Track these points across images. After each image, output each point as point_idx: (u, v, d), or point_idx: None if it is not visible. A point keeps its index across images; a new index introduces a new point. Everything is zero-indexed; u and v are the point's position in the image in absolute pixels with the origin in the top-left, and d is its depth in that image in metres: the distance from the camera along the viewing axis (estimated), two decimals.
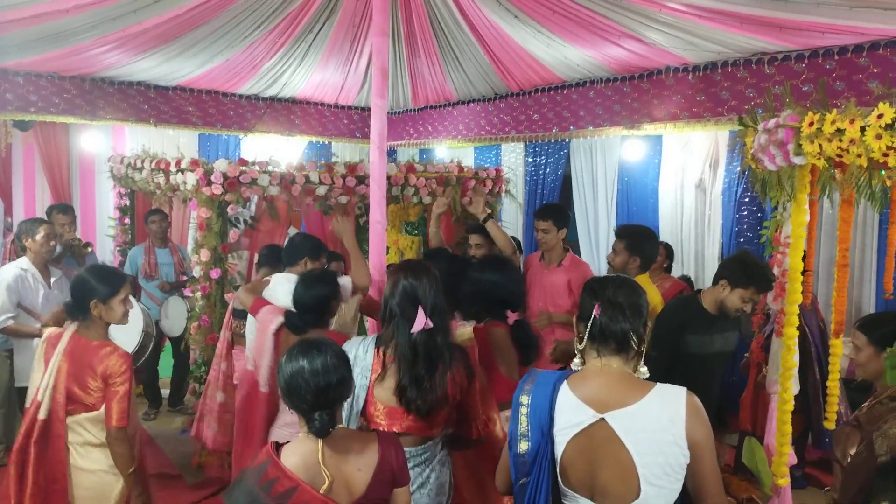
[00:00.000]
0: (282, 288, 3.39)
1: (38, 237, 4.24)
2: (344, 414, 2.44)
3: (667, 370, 3.14)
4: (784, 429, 2.83)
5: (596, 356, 1.89)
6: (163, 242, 5.82)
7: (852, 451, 2.37)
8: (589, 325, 1.88)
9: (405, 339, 2.35)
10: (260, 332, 3.21)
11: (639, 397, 1.80)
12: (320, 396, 1.94)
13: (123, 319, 2.87)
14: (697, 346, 3.21)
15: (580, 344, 1.92)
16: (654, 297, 3.44)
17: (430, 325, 2.34)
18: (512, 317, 2.90)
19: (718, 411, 3.58)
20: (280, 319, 3.11)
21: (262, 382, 3.20)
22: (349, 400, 2.37)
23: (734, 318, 3.26)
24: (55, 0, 4.15)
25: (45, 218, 5.00)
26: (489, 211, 4.72)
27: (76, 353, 2.74)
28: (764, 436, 3.25)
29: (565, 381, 1.89)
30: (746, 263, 3.32)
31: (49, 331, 2.91)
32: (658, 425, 1.76)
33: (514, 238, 5.28)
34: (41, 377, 2.78)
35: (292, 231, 6.83)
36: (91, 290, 2.77)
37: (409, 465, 2.40)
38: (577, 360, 1.94)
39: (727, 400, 3.51)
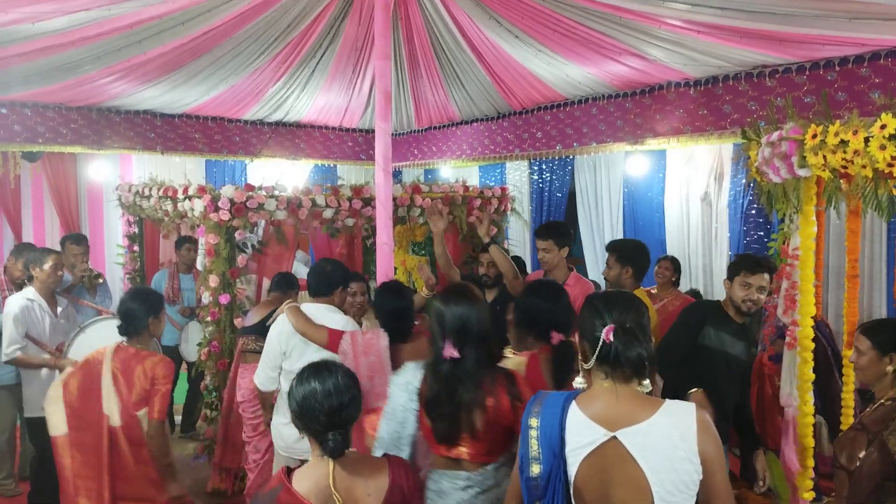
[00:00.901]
0: (333, 320, 3.36)
1: (46, 267, 4.24)
2: (387, 437, 2.38)
3: (682, 363, 3.21)
4: (806, 442, 2.80)
5: (604, 378, 1.85)
6: (188, 269, 5.88)
7: (861, 455, 2.36)
8: (598, 348, 1.83)
9: (431, 366, 2.39)
10: (371, 354, 3.15)
11: (649, 414, 1.78)
12: (333, 416, 1.95)
13: (162, 331, 3.43)
14: (718, 341, 3.29)
15: (586, 364, 1.89)
16: (651, 313, 3.45)
17: (456, 355, 2.32)
18: (556, 337, 2.78)
19: (741, 425, 3.54)
20: (385, 335, 3.13)
21: (372, 401, 3.01)
22: (396, 425, 2.37)
23: (747, 315, 3.33)
24: (60, 33, 4.21)
25: (54, 248, 5.02)
26: (494, 230, 4.66)
27: (127, 362, 3.13)
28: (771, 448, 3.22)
29: (574, 401, 1.87)
30: (734, 258, 3.54)
31: (68, 371, 3.23)
32: (670, 442, 1.75)
33: (519, 258, 5.23)
34: (62, 409, 3.10)
35: (300, 255, 6.85)
36: (147, 309, 3.22)
37: (472, 492, 2.31)
38: (579, 379, 1.91)
39: (742, 415, 3.47)
